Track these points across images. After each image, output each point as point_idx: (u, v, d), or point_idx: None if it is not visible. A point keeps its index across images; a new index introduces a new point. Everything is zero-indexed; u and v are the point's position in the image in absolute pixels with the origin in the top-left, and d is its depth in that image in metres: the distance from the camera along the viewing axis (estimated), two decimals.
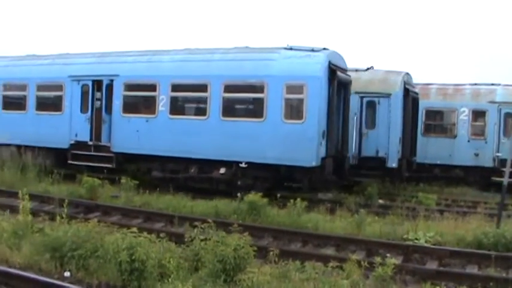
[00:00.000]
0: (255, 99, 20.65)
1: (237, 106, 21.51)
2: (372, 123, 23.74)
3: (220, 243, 9.65)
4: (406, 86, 23.77)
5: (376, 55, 70.67)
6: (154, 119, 21.91)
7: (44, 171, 22.43)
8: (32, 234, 11.90)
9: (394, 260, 10.46)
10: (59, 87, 24.45)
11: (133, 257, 9.09)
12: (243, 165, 19.95)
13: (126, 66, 23.14)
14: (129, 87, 22.85)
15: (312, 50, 19.90)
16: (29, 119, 25.12)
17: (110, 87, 23.16)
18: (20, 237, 11.86)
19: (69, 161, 23.77)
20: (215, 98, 20.63)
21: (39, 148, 24.23)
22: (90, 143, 23.53)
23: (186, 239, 10.72)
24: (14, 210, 14.45)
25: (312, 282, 9.43)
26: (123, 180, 19.94)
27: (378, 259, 10.22)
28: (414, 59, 67.18)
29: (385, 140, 23.06)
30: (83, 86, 23.84)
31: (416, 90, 25.81)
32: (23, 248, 11.29)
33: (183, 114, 21.98)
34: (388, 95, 23.21)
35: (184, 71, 21.66)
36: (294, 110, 19.77)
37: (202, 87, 20.98)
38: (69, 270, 10.05)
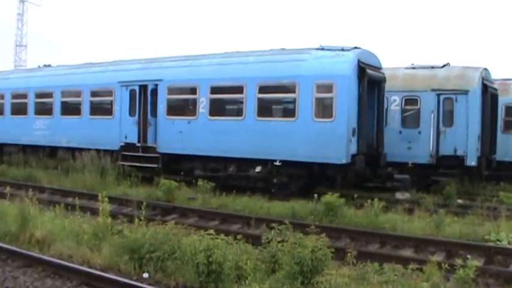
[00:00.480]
0: (287, 99, 21.20)
1: (271, 106, 22.01)
2: (449, 121, 22.87)
3: (297, 245, 9.48)
4: (485, 82, 22.83)
5: (453, 51, 69.51)
6: (195, 121, 22.86)
7: (123, 174, 22.83)
8: (111, 236, 12.16)
9: (475, 262, 9.90)
10: (110, 93, 25.93)
11: (210, 259, 9.05)
12: (277, 163, 20.48)
13: (169, 71, 24.24)
14: (172, 90, 23.97)
15: (342, 50, 20.21)
16: (84, 123, 26.79)
17: (154, 91, 24.21)
18: (100, 238, 12.15)
19: (120, 162, 24.69)
20: (250, 99, 21.30)
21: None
22: (138, 144, 24.70)
23: (263, 241, 10.60)
24: (94, 212, 14.85)
25: (391, 285, 9.15)
26: (199, 183, 20.06)
27: (458, 261, 9.90)
28: (493, 55, 65.80)
29: (463, 138, 22.23)
30: (131, 91, 25.01)
31: (495, 86, 24.71)
32: (103, 250, 11.54)
33: (222, 115, 22.64)
34: (465, 92, 22.38)
35: (222, 74, 22.44)
36: (324, 109, 20.05)
37: (239, 89, 21.71)
38: (148, 272, 10.08)
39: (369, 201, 16.10)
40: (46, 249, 12.07)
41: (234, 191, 19.67)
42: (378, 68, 21.67)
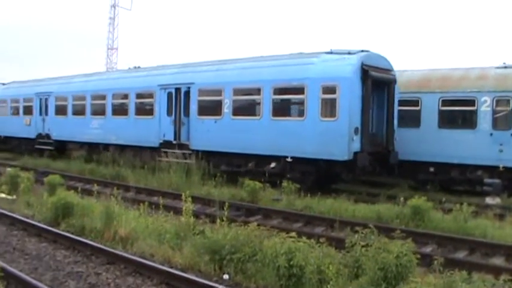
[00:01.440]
0: (297, 100, 22.57)
1: (284, 107, 23.36)
2: None
3: (382, 250, 9.20)
4: None
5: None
6: (220, 120, 24.74)
7: (208, 174, 22.99)
8: (193, 236, 12.16)
9: None
10: (151, 95, 28.22)
11: (291, 262, 8.91)
12: (288, 159, 21.81)
13: (200, 75, 26.41)
14: (202, 93, 25.86)
15: (348, 53, 21.45)
16: (130, 123, 29.49)
17: (187, 93, 26.28)
18: (181, 238, 12.23)
19: (159, 158, 26.51)
20: (266, 100, 23.03)
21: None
22: (174, 142, 26.68)
23: (346, 245, 10.30)
24: (177, 211, 14.97)
25: None
26: (284, 184, 19.94)
27: None
28: None
29: None
30: (168, 93, 27.08)
31: None
32: (184, 249, 11.55)
33: (242, 115, 24.19)
34: None
35: (242, 77, 24.43)
36: (328, 109, 21.22)
37: (256, 91, 23.65)
38: (228, 273, 10.02)
39: (458, 205, 15.64)
40: (129, 247, 12.24)
41: (319, 193, 19.54)
42: (387, 70, 22.42)
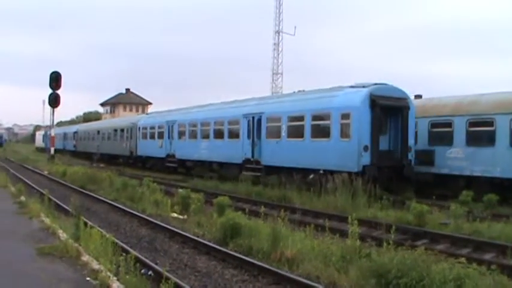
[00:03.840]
0: (326, 124, 28.53)
1: (318, 130, 29.33)
2: None
3: None
4: None
5: None
6: (280, 141, 32.08)
7: (374, 197, 22.99)
8: (359, 259, 11.82)
9: None
10: (237, 122, 37.08)
11: None
12: (321, 172, 27.08)
13: (267, 106, 35.06)
14: (269, 120, 33.73)
15: (363, 86, 27.13)
16: (225, 144, 38.59)
17: (259, 121, 34.42)
18: (347, 261, 11.99)
19: (243, 172, 34.38)
20: (307, 125, 29.71)
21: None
22: (252, 159, 34.73)
23: None
24: (343, 234, 14.82)
25: None
26: (452, 207, 19.46)
27: None
28: None
29: None
30: (248, 120, 35.50)
31: None
32: (349, 272, 11.32)
33: (293, 137, 30.98)
34: None
35: (293, 107, 31.71)
36: (345, 131, 27.14)
37: (301, 118, 30.37)
38: None
39: None
40: (295, 268, 12.35)
41: (489, 217, 19.00)
42: (399, 99, 27.71)
